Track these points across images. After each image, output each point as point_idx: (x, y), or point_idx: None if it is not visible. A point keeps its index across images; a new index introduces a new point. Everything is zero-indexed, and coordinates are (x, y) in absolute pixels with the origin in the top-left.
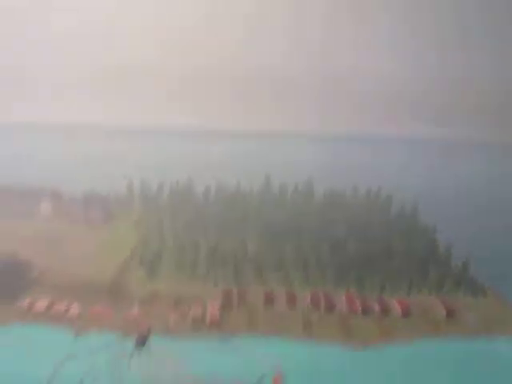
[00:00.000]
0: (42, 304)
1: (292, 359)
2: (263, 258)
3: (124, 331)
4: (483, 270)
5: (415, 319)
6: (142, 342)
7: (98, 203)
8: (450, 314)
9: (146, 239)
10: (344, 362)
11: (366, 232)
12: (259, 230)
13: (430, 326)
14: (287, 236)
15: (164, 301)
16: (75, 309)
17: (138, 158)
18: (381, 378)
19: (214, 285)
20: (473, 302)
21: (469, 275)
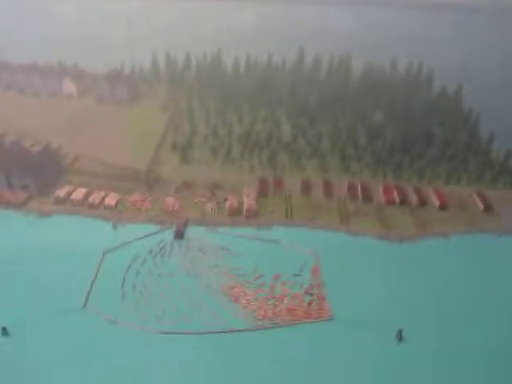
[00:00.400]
0: (79, 193)
1: (329, 250)
2: (298, 143)
3: (162, 221)
4: None
5: (452, 212)
6: (180, 234)
7: (123, 80)
8: (488, 208)
9: (175, 122)
10: (380, 255)
11: (404, 115)
12: (293, 113)
13: (467, 221)
14: (322, 120)
15: (199, 189)
16: (113, 198)
17: (163, 27)
18: (415, 271)
19: (250, 171)
20: None
21: (510, 167)
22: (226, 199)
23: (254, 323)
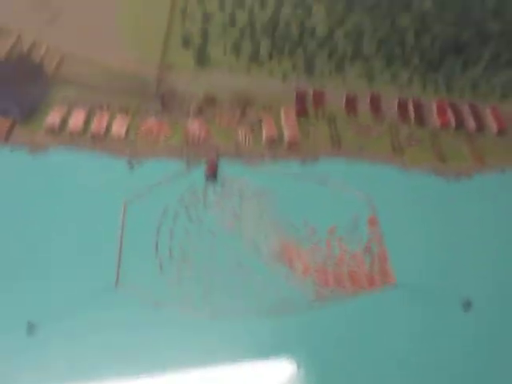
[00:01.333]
0: (77, 120)
1: (382, 191)
2: (336, 39)
3: (187, 155)
4: None
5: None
6: (213, 174)
7: None
8: None
9: (182, 6)
10: (437, 196)
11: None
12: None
13: None
14: (361, 7)
15: (225, 106)
16: (121, 124)
17: None
18: (472, 210)
19: (283, 79)
20: None
21: None
22: (260, 121)
23: (313, 293)
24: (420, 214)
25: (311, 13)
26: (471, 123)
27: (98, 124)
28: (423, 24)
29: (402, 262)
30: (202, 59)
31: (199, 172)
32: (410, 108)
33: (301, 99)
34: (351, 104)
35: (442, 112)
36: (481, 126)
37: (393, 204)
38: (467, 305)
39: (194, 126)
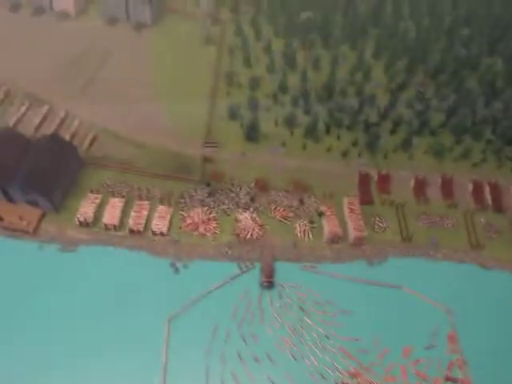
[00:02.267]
0: (113, 211)
1: (461, 297)
2: (401, 113)
3: (237, 256)
4: None
5: None
6: (269, 280)
7: None
8: None
9: (228, 72)
10: None
11: None
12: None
13: None
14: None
15: (281, 196)
16: (162, 219)
17: None
18: None
19: (342, 156)
20: None
21: None
22: (321, 213)
23: None
24: (504, 326)
25: (369, 75)
26: None
27: (137, 217)
28: (493, 87)
29: None
30: (251, 133)
31: (253, 277)
32: (486, 191)
33: (364, 183)
34: (420, 188)
35: None
36: None
37: (474, 312)
38: None
39: (246, 220)
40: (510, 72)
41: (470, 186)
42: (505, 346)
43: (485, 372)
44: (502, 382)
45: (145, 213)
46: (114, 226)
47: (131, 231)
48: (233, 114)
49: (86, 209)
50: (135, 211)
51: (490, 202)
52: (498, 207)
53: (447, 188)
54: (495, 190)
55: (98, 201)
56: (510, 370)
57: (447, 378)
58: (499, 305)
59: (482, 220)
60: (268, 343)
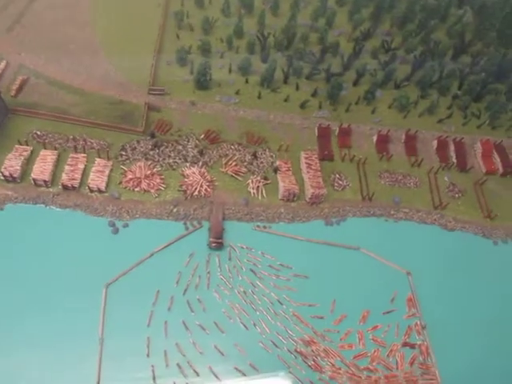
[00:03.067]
0: (44, 165)
1: (421, 259)
2: (366, 62)
3: (184, 215)
4: None
5: None
6: (218, 241)
7: None
8: None
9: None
10: (484, 264)
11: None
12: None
13: None
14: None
15: (234, 149)
16: (100, 173)
17: None
18: None
19: (301, 109)
20: None
21: None
22: (276, 169)
23: None
24: (462, 289)
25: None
26: None
27: (71, 171)
28: (462, 40)
29: (447, 354)
30: (202, 81)
31: (200, 238)
32: (451, 149)
33: (324, 138)
34: (383, 144)
35: (486, 155)
36: None
37: (434, 274)
38: None
39: (194, 175)
40: (479, 24)
41: (435, 143)
42: (465, 308)
43: (444, 335)
44: (462, 345)
45: (80, 167)
46: (45, 182)
47: (65, 187)
48: (182, 59)
49: (12, 162)
50: (69, 165)
51: (454, 160)
52: (463, 166)
53: (411, 145)
54: (460, 148)
55: (26, 153)
56: (470, 333)
57: (405, 344)
58: (460, 267)
59: (446, 179)
60: (216, 310)
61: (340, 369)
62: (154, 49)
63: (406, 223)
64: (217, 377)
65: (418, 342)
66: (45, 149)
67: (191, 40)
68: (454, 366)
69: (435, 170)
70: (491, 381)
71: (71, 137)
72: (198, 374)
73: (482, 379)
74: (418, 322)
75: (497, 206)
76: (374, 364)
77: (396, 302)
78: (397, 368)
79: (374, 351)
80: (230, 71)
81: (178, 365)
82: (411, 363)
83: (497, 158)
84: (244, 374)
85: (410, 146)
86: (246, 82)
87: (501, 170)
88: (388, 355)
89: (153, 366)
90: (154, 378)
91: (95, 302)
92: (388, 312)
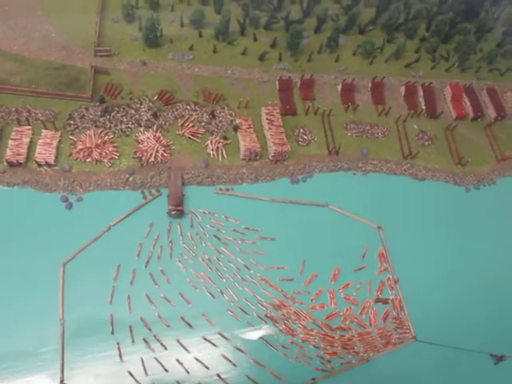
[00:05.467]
0: None
1: (390, 211)
2: (327, 6)
3: (140, 183)
4: None
5: None
6: (178, 209)
7: None
8: None
9: None
10: (456, 213)
11: None
12: None
13: None
14: None
15: (190, 110)
16: (48, 143)
17: None
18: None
19: (260, 61)
20: None
21: None
22: (236, 127)
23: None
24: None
25: None
26: (491, 111)
27: (16, 146)
28: None
29: (420, 306)
30: (152, 37)
31: (160, 207)
32: (420, 95)
33: (286, 92)
34: (349, 94)
35: (456, 99)
36: (501, 113)
37: (405, 227)
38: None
39: (148, 140)
40: None
41: (403, 90)
42: (438, 259)
43: (417, 288)
44: (434, 296)
45: (26, 140)
46: None
47: (10, 164)
48: (129, 15)
49: None
50: (13, 139)
51: (423, 106)
52: (432, 112)
53: (378, 92)
54: (429, 93)
55: None
56: (443, 283)
57: (377, 300)
58: (432, 217)
59: (415, 127)
60: (180, 281)
61: (312, 330)
62: (98, 5)
63: (375, 175)
64: (186, 349)
65: (391, 297)
66: None
67: None
68: (426, 318)
69: (404, 117)
70: (464, 330)
71: (13, 109)
72: (165, 348)
73: (454, 329)
74: (391, 277)
75: (468, 151)
76: (346, 323)
77: (367, 257)
78: (370, 325)
79: (347, 310)
80: (181, 25)
81: (144, 340)
82: (384, 319)
83: (467, 102)
84: (214, 345)
85: (377, 94)
86: (200, 36)
87: (471, 114)
88: (361, 313)
89: (118, 344)
90: (120, 356)
91: (53, 281)
92: (360, 269)
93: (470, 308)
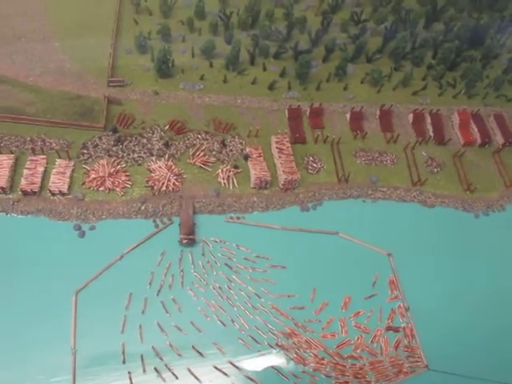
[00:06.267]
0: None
1: (401, 238)
2: (335, 37)
3: (154, 213)
4: None
5: None
6: (189, 237)
7: None
8: None
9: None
10: (465, 239)
11: None
12: None
13: None
14: None
15: (201, 139)
16: (62, 172)
17: None
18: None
19: (270, 91)
20: None
21: None
22: (246, 156)
23: None
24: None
25: None
26: (498, 137)
27: (31, 175)
28: (434, 6)
29: (432, 334)
30: (164, 68)
31: (172, 235)
32: (428, 122)
33: (295, 120)
34: (357, 122)
35: (464, 126)
36: (510, 140)
37: (416, 254)
38: None
39: (160, 169)
40: None
41: (411, 117)
42: (448, 286)
43: (428, 316)
44: (446, 325)
45: (40, 169)
46: (3, 189)
47: (24, 192)
48: (142, 46)
49: None
50: (28, 168)
51: (431, 133)
52: (440, 139)
53: (386, 120)
54: (437, 120)
55: None
56: (454, 310)
57: (388, 328)
58: (442, 243)
59: (424, 154)
60: (192, 309)
61: (323, 359)
62: (111, 36)
63: (385, 203)
64: (197, 378)
65: (402, 325)
66: (0, 153)
67: (150, 25)
68: (438, 346)
69: (412, 144)
70: (476, 358)
71: (28, 138)
72: (176, 377)
73: (467, 357)
74: (401, 305)
75: (476, 177)
76: (357, 351)
77: (378, 285)
78: (381, 353)
79: (358, 338)
80: (192, 55)
81: (155, 369)
82: (396, 347)
83: (474, 128)
84: (225, 374)
85: (385, 122)
86: (211, 65)
87: (479, 140)
88: (372, 341)
89: (130, 373)
90: None
91: (65, 310)
92: (370, 296)
93: (482, 335)
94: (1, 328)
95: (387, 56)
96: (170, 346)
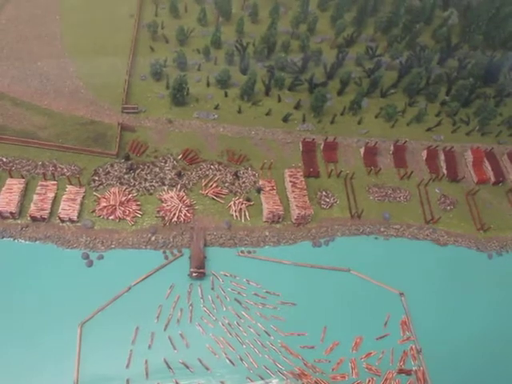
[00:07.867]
0: (9, 197)
1: (412, 277)
2: (349, 70)
3: (162, 243)
4: None
5: None
6: (200, 271)
7: None
8: None
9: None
10: (479, 281)
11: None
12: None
13: None
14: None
15: (214, 170)
16: (72, 199)
17: None
18: None
19: (284, 122)
20: None
21: None
22: (259, 189)
23: None
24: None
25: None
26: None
27: (41, 201)
28: (448, 43)
29: (445, 378)
30: (179, 96)
31: (181, 267)
32: (441, 159)
33: (309, 153)
34: (371, 157)
35: (478, 163)
36: None
37: (429, 294)
38: None
39: (172, 199)
40: (465, 27)
41: (424, 154)
42: (461, 327)
43: (440, 358)
44: (459, 368)
45: (50, 195)
46: (12, 214)
47: (33, 218)
48: (156, 74)
49: None
50: (38, 194)
51: (444, 170)
52: (454, 176)
53: (400, 156)
54: (450, 157)
55: None
56: (467, 353)
57: (400, 371)
58: (454, 283)
59: (437, 191)
60: (200, 346)
61: None
62: (127, 63)
63: (397, 240)
64: None
65: (414, 368)
66: (11, 177)
67: (166, 52)
68: None
69: (425, 181)
70: None
71: (40, 163)
72: None
73: None
74: (413, 346)
75: (489, 216)
76: None
77: (389, 325)
78: None
79: (369, 380)
80: (207, 85)
81: None
82: None
83: (488, 167)
84: None
85: (399, 158)
86: (226, 95)
87: (492, 178)
88: None
89: None
90: None
91: (69, 343)
92: (381, 337)
93: (496, 378)
94: (2, 358)
95: (401, 91)
96: (176, 383)
